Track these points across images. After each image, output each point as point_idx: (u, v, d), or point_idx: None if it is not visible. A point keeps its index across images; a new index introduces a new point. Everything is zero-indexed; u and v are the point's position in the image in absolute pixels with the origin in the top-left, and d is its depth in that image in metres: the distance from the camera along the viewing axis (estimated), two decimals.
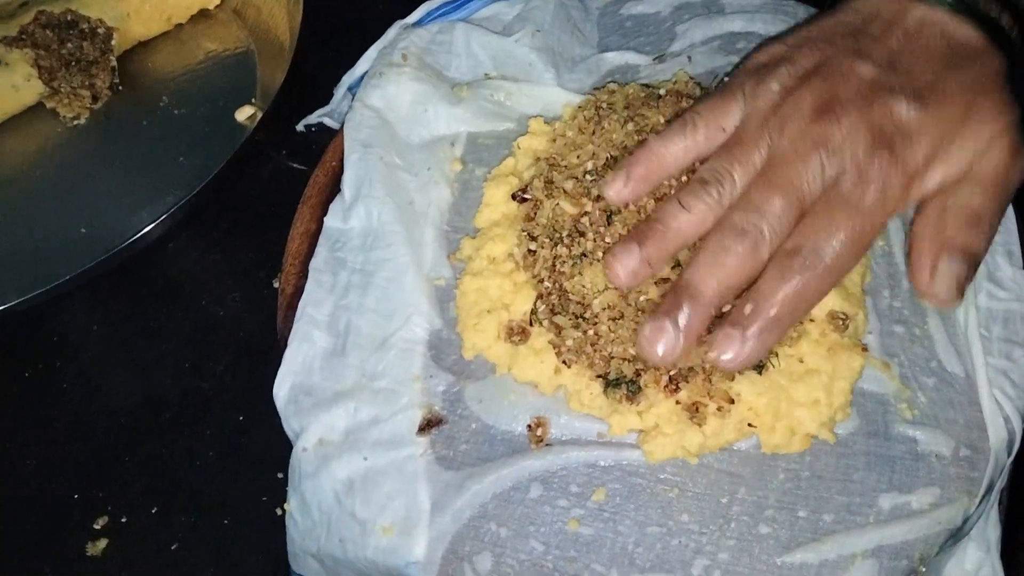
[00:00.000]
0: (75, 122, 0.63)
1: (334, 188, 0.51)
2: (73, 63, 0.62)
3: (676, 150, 0.38)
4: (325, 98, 0.57)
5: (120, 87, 0.65)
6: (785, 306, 0.34)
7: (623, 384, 0.36)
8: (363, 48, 0.54)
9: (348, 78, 0.54)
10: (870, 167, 0.34)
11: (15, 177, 0.61)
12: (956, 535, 0.36)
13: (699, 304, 0.34)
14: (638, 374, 0.36)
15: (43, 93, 0.63)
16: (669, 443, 0.36)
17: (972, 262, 0.35)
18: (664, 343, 0.34)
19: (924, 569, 0.34)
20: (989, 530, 0.37)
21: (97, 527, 0.45)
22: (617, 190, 0.38)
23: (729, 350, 0.34)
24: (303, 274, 0.48)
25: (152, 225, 0.50)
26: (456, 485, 0.37)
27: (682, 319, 0.34)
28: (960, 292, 0.35)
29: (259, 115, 0.56)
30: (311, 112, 0.58)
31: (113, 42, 0.64)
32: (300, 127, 0.56)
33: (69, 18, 0.63)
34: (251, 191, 0.58)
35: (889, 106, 0.35)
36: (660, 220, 0.36)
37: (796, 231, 0.34)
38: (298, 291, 0.47)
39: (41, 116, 0.64)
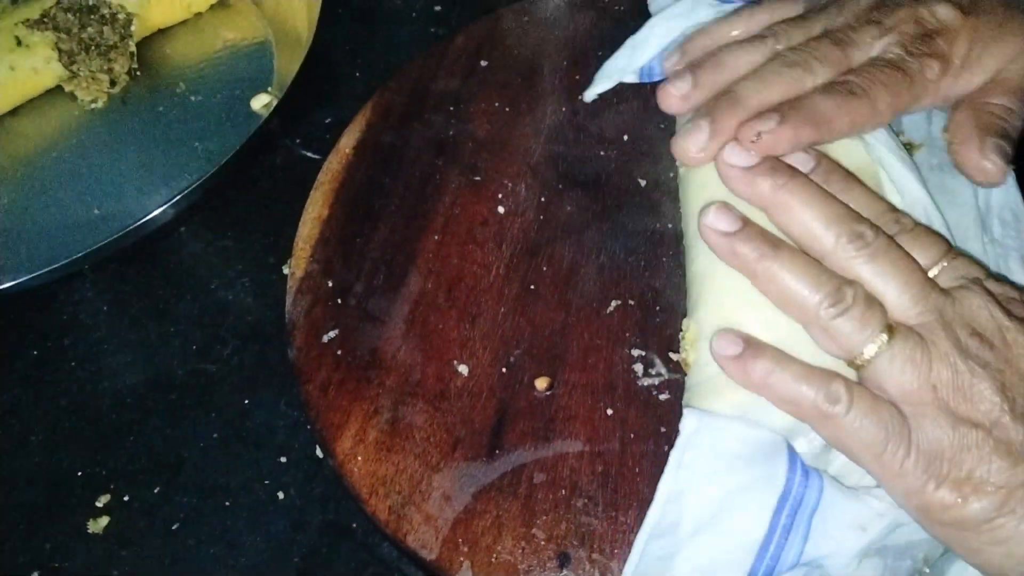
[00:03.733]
0: (93, 105, 0.64)
1: (347, 176, 0.51)
2: (93, 47, 0.63)
3: (730, 31, 0.42)
4: (342, 87, 0.57)
5: (138, 72, 0.65)
6: (818, 113, 0.35)
7: None
8: (380, 39, 0.54)
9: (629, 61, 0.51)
10: (914, 46, 0.37)
11: (32, 158, 0.61)
12: None
13: (736, 107, 0.36)
14: None
15: (62, 76, 0.63)
16: None
17: (1012, 144, 0.38)
18: (696, 140, 0.36)
19: (928, 570, 0.34)
20: None
21: (99, 505, 0.45)
22: (683, 89, 0.40)
23: (760, 125, 0.35)
24: (313, 259, 0.48)
25: (164, 208, 0.50)
26: None
27: (718, 117, 0.36)
28: (1007, 163, 0.37)
29: (274, 103, 0.57)
30: (326, 103, 0.58)
31: (133, 28, 0.64)
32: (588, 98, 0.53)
33: (90, 3, 0.63)
34: (264, 178, 0.58)
35: (935, 8, 0.38)
36: (716, 54, 0.39)
37: (842, 76, 0.37)
38: (307, 275, 0.47)
39: (59, 99, 0.64)
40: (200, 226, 0.56)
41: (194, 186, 0.51)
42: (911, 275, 0.32)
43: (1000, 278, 0.34)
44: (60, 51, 0.62)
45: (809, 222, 0.33)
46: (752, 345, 0.33)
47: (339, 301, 0.46)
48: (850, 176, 0.36)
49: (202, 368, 0.49)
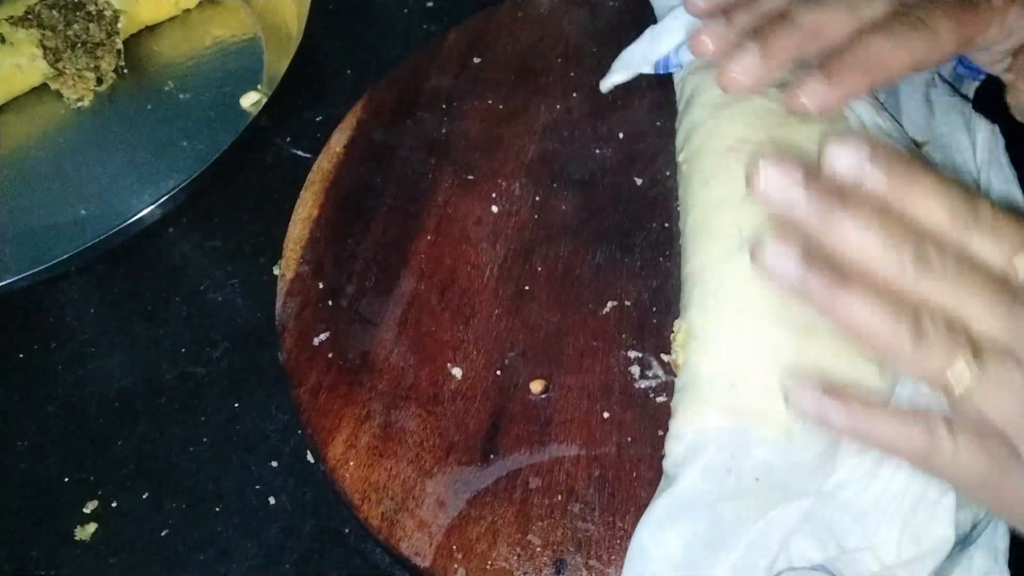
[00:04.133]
0: (79, 104, 0.63)
1: (338, 175, 0.50)
2: (79, 45, 0.62)
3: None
4: (332, 85, 0.56)
5: (125, 70, 0.64)
6: (872, 56, 0.34)
7: None
8: (371, 36, 0.53)
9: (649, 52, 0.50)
10: None
11: (17, 157, 0.60)
12: (963, 542, 0.35)
13: (789, 28, 0.35)
14: None
15: (48, 74, 0.62)
16: None
17: None
18: (745, 64, 0.35)
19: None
20: (998, 539, 0.36)
21: (87, 511, 0.44)
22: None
23: (812, 79, 0.34)
24: (303, 260, 0.47)
25: (151, 208, 0.50)
26: None
27: (771, 38, 0.35)
28: None
29: (264, 101, 0.56)
30: (316, 101, 0.57)
31: (120, 25, 0.63)
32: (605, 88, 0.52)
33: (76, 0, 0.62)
34: (254, 177, 0.57)
35: None
36: (789, 14, 0.36)
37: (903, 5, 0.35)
38: (298, 276, 0.46)
39: (45, 97, 0.63)
40: (189, 227, 0.55)
41: (182, 186, 0.50)
42: (990, 290, 0.28)
43: None
44: (45, 48, 0.61)
45: (867, 250, 0.28)
46: (831, 394, 0.29)
47: (330, 303, 0.46)
48: (915, 163, 0.30)
49: (191, 371, 0.49)
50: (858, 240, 0.28)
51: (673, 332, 0.38)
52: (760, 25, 0.36)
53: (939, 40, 0.34)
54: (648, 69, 0.49)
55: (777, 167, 0.29)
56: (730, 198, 0.37)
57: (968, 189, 0.30)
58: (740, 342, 0.34)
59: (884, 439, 0.29)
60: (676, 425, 0.35)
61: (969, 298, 0.28)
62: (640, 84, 0.51)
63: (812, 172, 0.29)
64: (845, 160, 0.29)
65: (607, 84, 0.51)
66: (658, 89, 0.51)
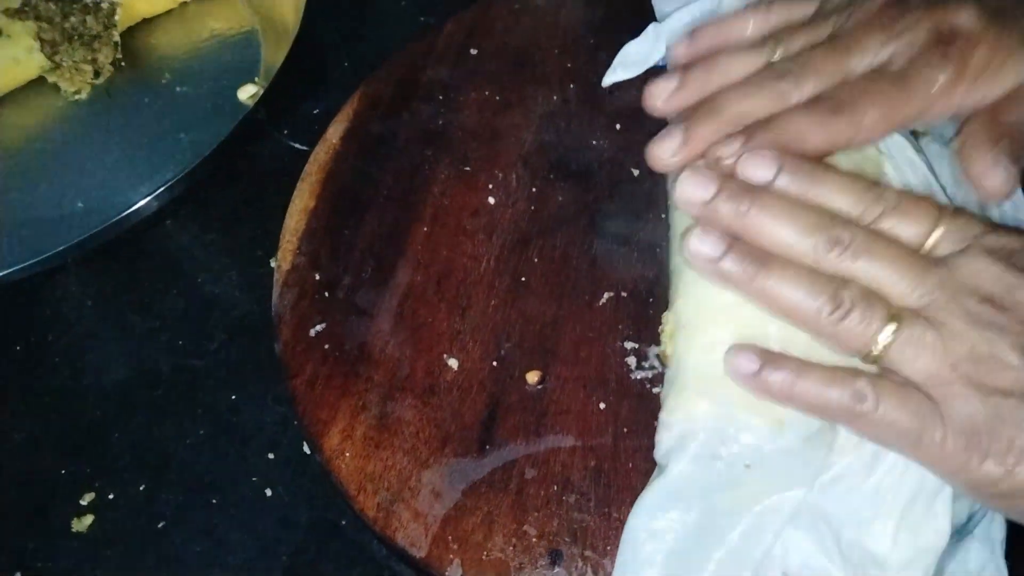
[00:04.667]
0: (76, 97, 0.63)
1: (335, 166, 0.50)
2: (76, 37, 0.62)
3: (739, 29, 0.39)
4: (329, 77, 0.56)
5: (123, 63, 0.64)
6: (790, 132, 0.34)
7: None
8: (368, 28, 0.53)
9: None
10: (924, 54, 0.35)
11: (13, 150, 0.60)
12: (960, 532, 0.35)
13: (712, 117, 0.35)
14: None
15: (45, 67, 0.62)
16: None
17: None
18: (668, 146, 0.35)
19: None
20: (994, 530, 0.36)
21: (83, 503, 0.44)
22: (666, 91, 0.39)
23: (727, 147, 0.34)
24: (300, 251, 0.47)
25: (147, 199, 0.50)
26: None
27: (693, 125, 0.35)
28: (1017, 179, 0.35)
29: (261, 94, 0.55)
30: (314, 93, 0.57)
31: (117, 17, 0.63)
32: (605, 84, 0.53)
33: None
34: (251, 170, 0.57)
35: (955, 13, 0.35)
36: (712, 58, 0.38)
37: (833, 88, 0.35)
38: (294, 268, 0.46)
39: (42, 90, 0.63)
40: (186, 219, 0.55)
41: (179, 177, 0.50)
42: (902, 260, 0.31)
43: (1002, 228, 0.32)
44: (42, 41, 0.61)
45: (783, 240, 0.32)
46: (769, 359, 0.32)
47: (326, 294, 0.46)
48: (818, 166, 0.34)
49: (188, 363, 0.49)
50: (772, 230, 0.32)
51: (662, 324, 0.38)
52: (690, 110, 0.37)
53: (861, 125, 0.34)
54: (648, 65, 0.50)
55: (692, 175, 0.34)
56: None
57: (873, 181, 0.33)
58: (725, 331, 0.34)
59: (814, 399, 0.31)
60: (665, 414, 0.35)
61: (883, 271, 0.31)
62: (637, 77, 0.51)
63: (725, 179, 0.33)
64: (752, 166, 0.33)
65: (608, 80, 0.51)
66: None
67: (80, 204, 0.56)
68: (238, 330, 0.50)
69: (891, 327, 0.30)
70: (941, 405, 0.30)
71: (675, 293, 0.37)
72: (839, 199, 0.33)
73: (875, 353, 0.31)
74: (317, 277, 0.46)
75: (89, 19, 0.62)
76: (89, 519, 0.44)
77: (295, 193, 0.50)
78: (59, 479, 0.45)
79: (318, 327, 0.44)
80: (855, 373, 0.31)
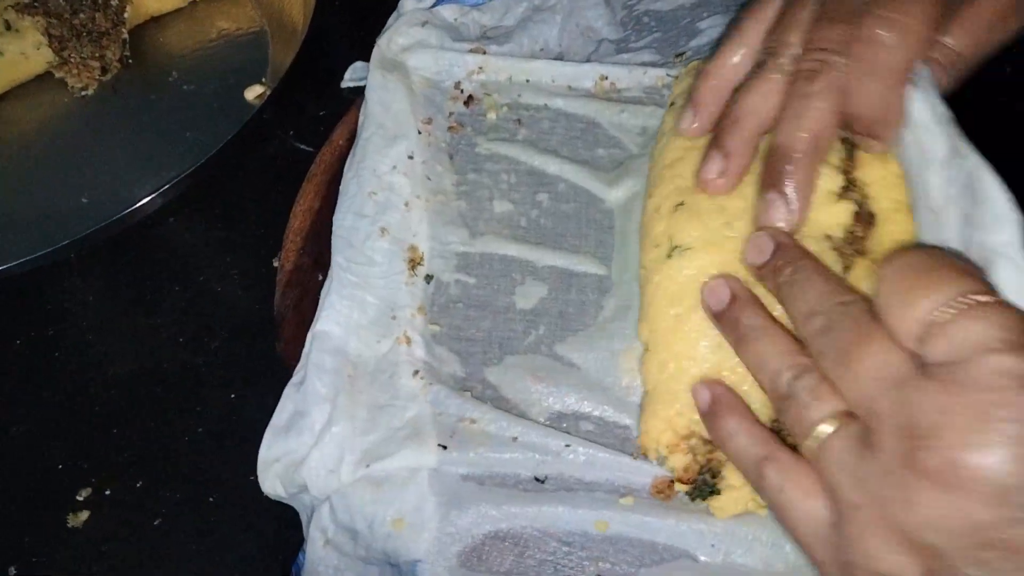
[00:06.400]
0: (83, 92, 0.63)
1: (340, 168, 0.50)
2: (84, 33, 0.62)
3: (732, 60, 0.37)
4: (336, 79, 0.56)
5: (130, 60, 0.64)
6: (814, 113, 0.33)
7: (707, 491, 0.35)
8: (375, 30, 0.53)
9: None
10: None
11: (20, 144, 0.60)
12: None
13: (798, 161, 0.33)
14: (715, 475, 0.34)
15: (52, 62, 0.62)
16: (740, 496, 0.34)
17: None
18: (779, 214, 0.33)
19: None
20: None
21: (80, 498, 0.44)
22: (688, 123, 0.38)
23: (776, 214, 0.33)
24: (303, 251, 0.47)
25: (151, 197, 0.50)
26: None
27: (788, 185, 0.33)
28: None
29: (268, 94, 0.56)
30: (320, 95, 0.57)
31: (126, 15, 0.63)
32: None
33: None
34: (256, 169, 0.57)
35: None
36: (728, 112, 0.36)
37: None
38: (297, 268, 0.46)
39: (49, 85, 0.63)
40: (191, 217, 0.55)
41: (183, 175, 0.50)
42: (866, 366, 0.27)
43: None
44: (51, 36, 0.61)
45: (753, 361, 0.32)
46: (723, 402, 0.33)
47: None
48: (809, 263, 0.31)
49: (190, 361, 0.49)
50: (748, 353, 0.32)
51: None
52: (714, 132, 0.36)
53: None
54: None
55: (715, 283, 0.34)
56: (663, 207, 0.37)
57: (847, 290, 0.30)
58: (674, 355, 0.35)
59: (733, 453, 0.32)
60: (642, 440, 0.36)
61: (840, 375, 0.28)
62: None
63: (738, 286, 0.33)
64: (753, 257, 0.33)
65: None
66: None
67: (85, 200, 0.56)
68: (240, 328, 0.49)
69: (834, 423, 0.28)
70: (842, 528, 0.27)
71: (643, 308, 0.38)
72: (815, 304, 0.30)
73: (809, 443, 0.28)
74: (320, 277, 0.46)
75: (98, 16, 0.62)
76: (85, 515, 0.44)
77: (299, 194, 0.50)
78: (57, 474, 0.45)
79: None
80: (778, 448, 0.30)
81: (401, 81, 0.48)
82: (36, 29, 0.61)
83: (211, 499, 0.44)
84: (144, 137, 0.60)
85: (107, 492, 0.44)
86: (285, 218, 0.49)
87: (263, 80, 0.62)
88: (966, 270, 0.26)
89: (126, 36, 0.64)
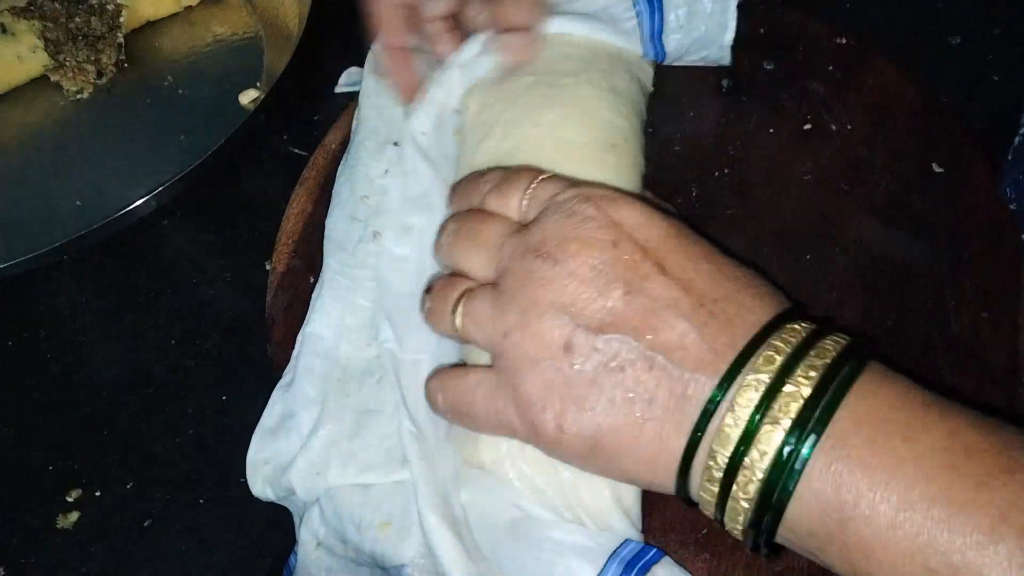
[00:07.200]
0: (78, 96, 0.63)
1: (332, 171, 0.51)
2: (80, 37, 0.62)
3: None
4: (330, 84, 0.57)
5: (126, 64, 0.64)
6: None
7: None
8: (370, 38, 0.53)
9: None
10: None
11: (13, 147, 0.61)
12: None
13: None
14: None
15: (48, 65, 0.62)
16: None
17: None
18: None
19: None
20: None
21: (70, 499, 0.44)
22: None
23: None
24: (295, 254, 0.47)
25: (145, 199, 0.50)
26: None
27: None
28: None
29: (262, 98, 0.56)
30: (314, 100, 0.58)
31: (122, 19, 0.64)
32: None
33: None
34: (249, 173, 0.57)
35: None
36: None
37: None
38: (289, 270, 0.47)
39: (44, 89, 0.63)
40: (183, 220, 0.55)
41: (177, 178, 0.51)
42: (485, 237, 0.33)
43: (579, 184, 0.33)
44: (46, 40, 0.61)
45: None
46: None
47: None
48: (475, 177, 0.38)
49: (180, 363, 0.49)
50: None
51: None
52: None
53: None
54: None
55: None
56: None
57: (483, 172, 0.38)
58: None
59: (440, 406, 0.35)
60: None
61: (471, 252, 0.34)
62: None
63: None
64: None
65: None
66: None
67: (78, 202, 0.56)
68: (231, 331, 0.50)
69: (460, 306, 0.33)
70: (494, 363, 0.32)
71: None
72: (458, 200, 0.38)
73: (451, 330, 0.33)
74: (312, 280, 0.46)
75: (94, 20, 0.62)
76: (75, 516, 0.44)
77: (292, 197, 0.50)
78: (46, 475, 0.45)
79: None
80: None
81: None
82: (32, 33, 0.61)
83: (201, 500, 0.44)
84: (139, 140, 0.60)
85: (97, 493, 0.44)
86: (278, 221, 0.49)
87: (257, 84, 0.62)
88: (527, 168, 0.36)
89: (122, 40, 0.64)
